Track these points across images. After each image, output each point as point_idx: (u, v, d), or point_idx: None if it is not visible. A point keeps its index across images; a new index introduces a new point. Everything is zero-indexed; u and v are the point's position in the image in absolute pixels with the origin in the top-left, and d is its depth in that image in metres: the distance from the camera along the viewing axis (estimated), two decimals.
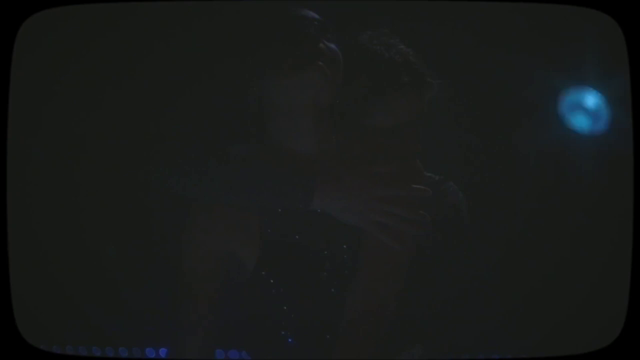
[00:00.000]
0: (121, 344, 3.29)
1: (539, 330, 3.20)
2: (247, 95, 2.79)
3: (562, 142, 3.30)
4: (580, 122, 3.25)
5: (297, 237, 2.79)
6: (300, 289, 2.80)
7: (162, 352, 3.27)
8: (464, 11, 3.16)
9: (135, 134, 3.25)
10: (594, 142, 3.28)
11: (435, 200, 2.81)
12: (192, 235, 2.81)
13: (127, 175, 3.27)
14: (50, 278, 3.28)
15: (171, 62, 3.26)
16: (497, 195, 3.25)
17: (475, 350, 3.19)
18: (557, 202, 3.28)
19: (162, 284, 3.19)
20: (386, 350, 2.82)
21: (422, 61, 2.84)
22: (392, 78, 2.82)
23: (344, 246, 2.81)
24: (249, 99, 2.79)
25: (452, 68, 3.14)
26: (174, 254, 3.08)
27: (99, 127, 3.27)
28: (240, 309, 2.81)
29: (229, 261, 2.81)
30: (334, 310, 2.80)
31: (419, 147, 2.84)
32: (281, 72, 2.71)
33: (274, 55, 2.72)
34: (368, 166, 2.79)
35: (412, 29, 3.06)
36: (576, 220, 3.25)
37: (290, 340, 2.80)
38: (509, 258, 3.22)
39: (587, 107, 3.23)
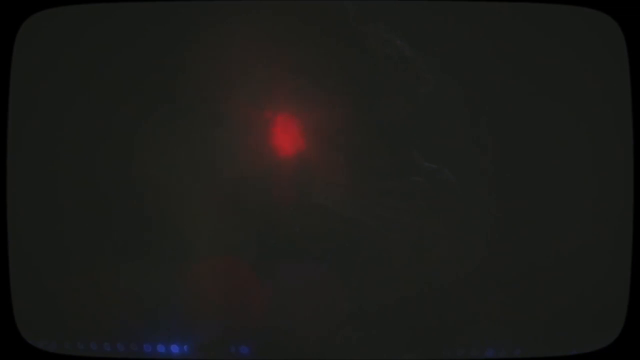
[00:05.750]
0: (120, 341, 3.29)
1: (539, 330, 3.20)
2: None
3: (562, 140, 3.30)
4: None
5: (297, 230, 2.82)
6: (300, 282, 2.82)
7: (160, 349, 3.28)
8: (463, 10, 3.17)
9: (135, 133, 3.25)
10: (595, 142, 3.28)
11: (432, 190, 2.87)
12: (194, 230, 2.84)
13: (127, 173, 3.27)
14: (50, 277, 3.28)
15: (172, 62, 3.26)
16: (493, 192, 3.25)
17: (473, 349, 3.19)
18: (557, 201, 3.28)
19: (164, 281, 3.19)
20: (386, 347, 2.84)
21: (418, 56, 2.89)
22: (388, 73, 2.88)
23: (345, 240, 2.83)
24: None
25: (449, 64, 3.14)
26: (175, 250, 3.09)
27: (99, 127, 3.26)
28: (239, 304, 2.83)
29: (229, 254, 2.84)
30: (336, 304, 2.82)
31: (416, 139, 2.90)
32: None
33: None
34: (367, 160, 2.83)
35: (408, 26, 3.07)
36: (576, 220, 3.25)
37: (289, 335, 2.82)
38: (507, 257, 3.22)
39: None
